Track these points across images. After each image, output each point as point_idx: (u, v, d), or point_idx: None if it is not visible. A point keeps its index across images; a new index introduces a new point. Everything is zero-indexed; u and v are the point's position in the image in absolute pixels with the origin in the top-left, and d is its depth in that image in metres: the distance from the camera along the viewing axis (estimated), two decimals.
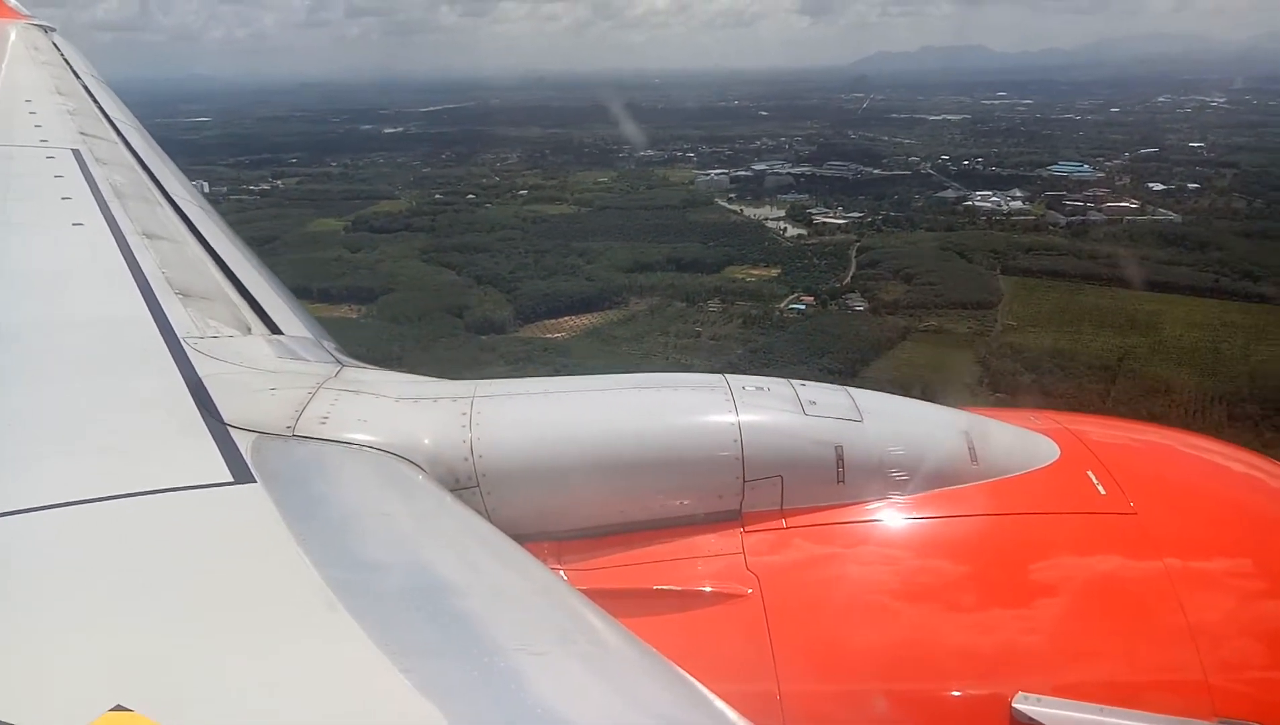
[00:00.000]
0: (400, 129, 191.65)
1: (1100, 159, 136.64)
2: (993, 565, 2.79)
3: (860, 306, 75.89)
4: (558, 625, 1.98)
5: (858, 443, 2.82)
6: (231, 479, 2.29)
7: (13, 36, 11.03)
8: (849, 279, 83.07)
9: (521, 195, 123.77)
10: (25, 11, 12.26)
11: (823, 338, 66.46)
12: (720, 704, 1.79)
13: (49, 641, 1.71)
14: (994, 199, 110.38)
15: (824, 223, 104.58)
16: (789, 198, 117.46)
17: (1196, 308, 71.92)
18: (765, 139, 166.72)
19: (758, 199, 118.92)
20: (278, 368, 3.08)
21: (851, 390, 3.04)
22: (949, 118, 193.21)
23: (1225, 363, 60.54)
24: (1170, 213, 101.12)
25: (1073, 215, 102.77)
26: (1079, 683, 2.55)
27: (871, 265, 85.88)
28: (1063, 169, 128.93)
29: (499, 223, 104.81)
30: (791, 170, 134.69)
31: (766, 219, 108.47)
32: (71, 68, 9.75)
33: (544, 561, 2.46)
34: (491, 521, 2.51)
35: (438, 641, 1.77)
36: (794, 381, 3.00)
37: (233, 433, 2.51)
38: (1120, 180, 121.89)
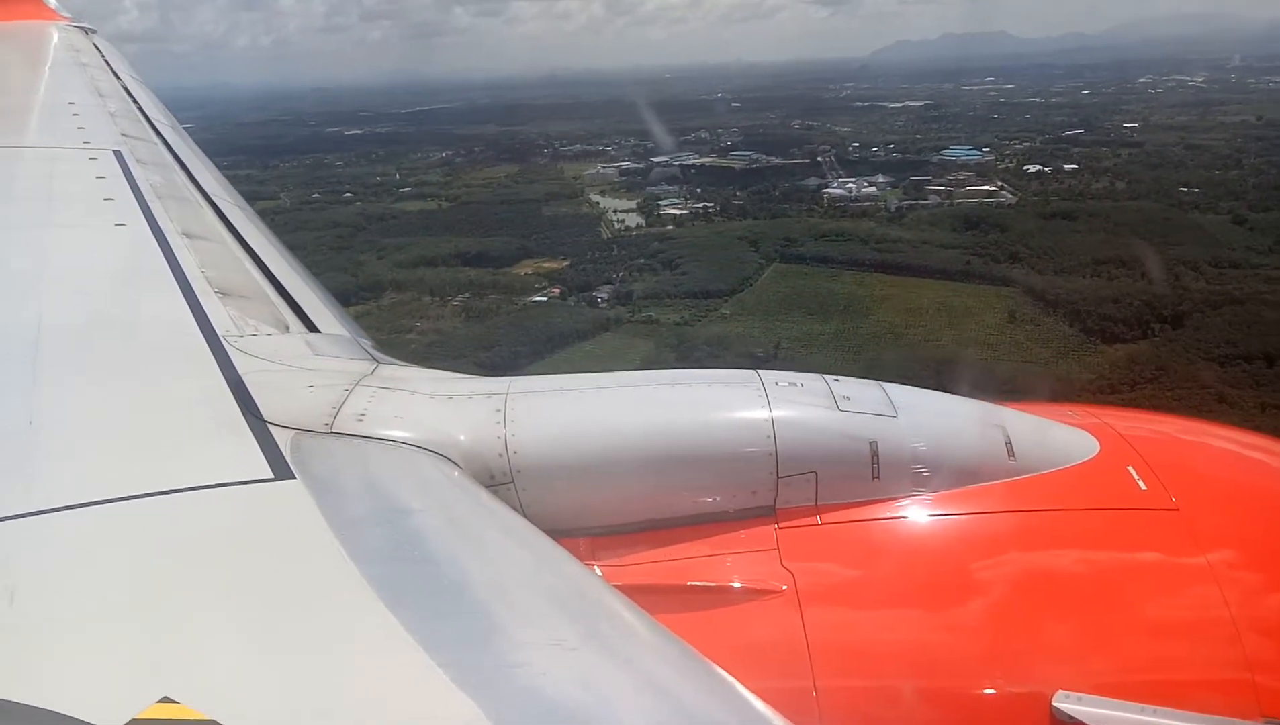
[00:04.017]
0: (361, 131, 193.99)
1: (1014, 141, 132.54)
2: (1032, 562, 2.80)
3: (602, 297, 74.86)
4: (592, 621, 2.00)
5: (893, 438, 2.80)
6: (271, 475, 2.33)
7: (55, 38, 11.19)
8: (621, 272, 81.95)
9: (404, 191, 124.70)
10: (66, 14, 12.36)
11: (514, 330, 65.77)
12: (755, 700, 1.81)
13: (96, 635, 1.75)
14: (849, 185, 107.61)
15: (663, 214, 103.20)
16: (659, 189, 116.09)
17: (930, 291, 69.40)
18: (703, 130, 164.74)
19: (630, 191, 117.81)
20: (315, 365, 3.12)
21: (886, 385, 3.01)
22: (910, 105, 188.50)
23: (897, 345, 58.39)
24: (1009, 195, 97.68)
25: (914, 199, 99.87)
26: (1121, 681, 2.53)
27: (653, 255, 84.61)
28: (953, 153, 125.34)
29: (338, 221, 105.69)
30: (687, 162, 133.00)
31: (615, 210, 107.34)
32: (112, 69, 9.84)
33: (578, 557, 2.46)
34: (526, 517, 2.55)
35: (474, 637, 1.78)
36: (828, 376, 2.98)
37: (272, 430, 2.56)
38: (1005, 163, 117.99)
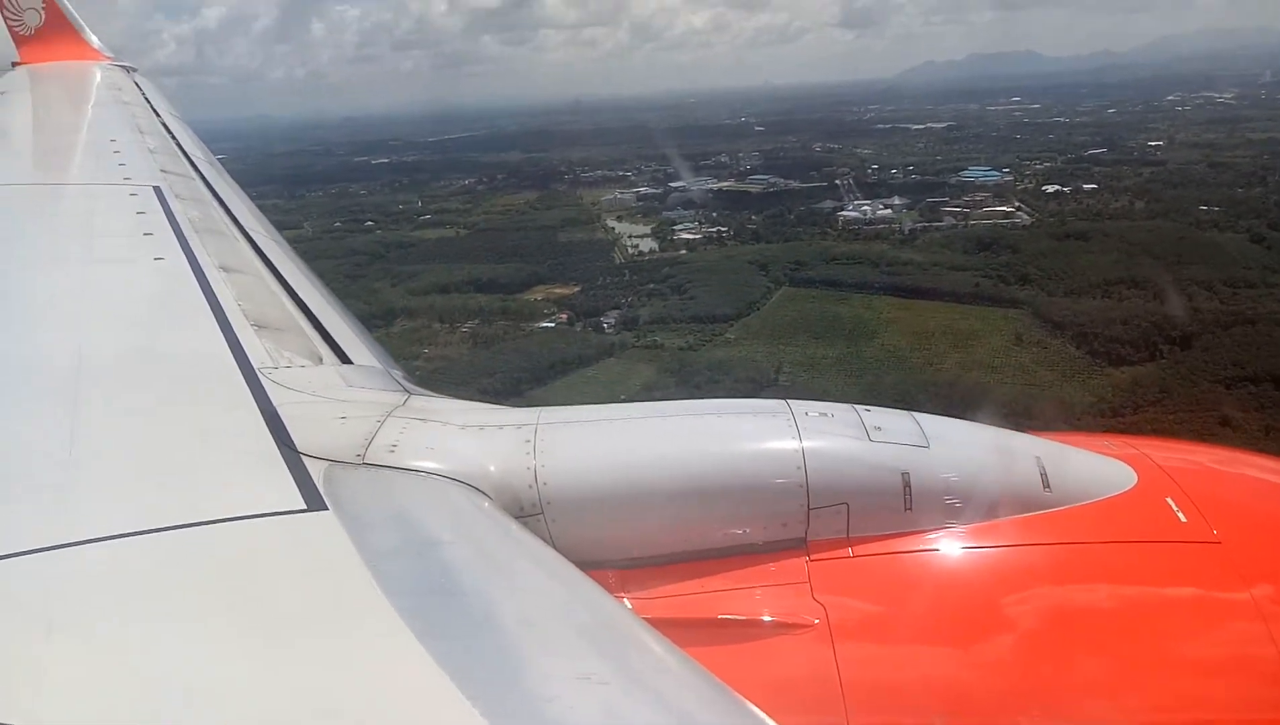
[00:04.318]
0: (388, 159, 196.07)
1: (1035, 161, 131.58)
2: (1068, 596, 2.76)
3: (608, 322, 75.00)
4: (622, 655, 2.00)
5: (925, 469, 2.77)
6: (304, 506, 2.34)
7: (98, 77, 11.93)
8: (630, 296, 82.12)
9: (424, 219, 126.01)
10: (108, 53, 13.20)
11: (517, 356, 65.98)
12: None
13: (126, 666, 1.78)
14: (865, 207, 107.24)
15: (676, 239, 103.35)
16: (674, 214, 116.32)
17: (938, 313, 68.81)
18: (724, 155, 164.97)
19: (646, 216, 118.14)
20: (348, 397, 3.15)
21: (918, 415, 2.99)
22: (933, 126, 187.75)
23: (899, 369, 57.85)
24: (1024, 216, 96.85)
25: (929, 221, 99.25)
26: (1161, 720, 2.51)
27: (663, 280, 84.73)
28: (972, 174, 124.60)
29: (357, 250, 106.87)
30: (704, 186, 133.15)
31: (630, 236, 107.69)
32: (152, 106, 10.31)
33: (608, 590, 2.46)
34: (556, 549, 2.55)
35: (504, 670, 1.79)
36: (858, 406, 2.97)
37: (306, 461, 2.57)
38: (1024, 184, 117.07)
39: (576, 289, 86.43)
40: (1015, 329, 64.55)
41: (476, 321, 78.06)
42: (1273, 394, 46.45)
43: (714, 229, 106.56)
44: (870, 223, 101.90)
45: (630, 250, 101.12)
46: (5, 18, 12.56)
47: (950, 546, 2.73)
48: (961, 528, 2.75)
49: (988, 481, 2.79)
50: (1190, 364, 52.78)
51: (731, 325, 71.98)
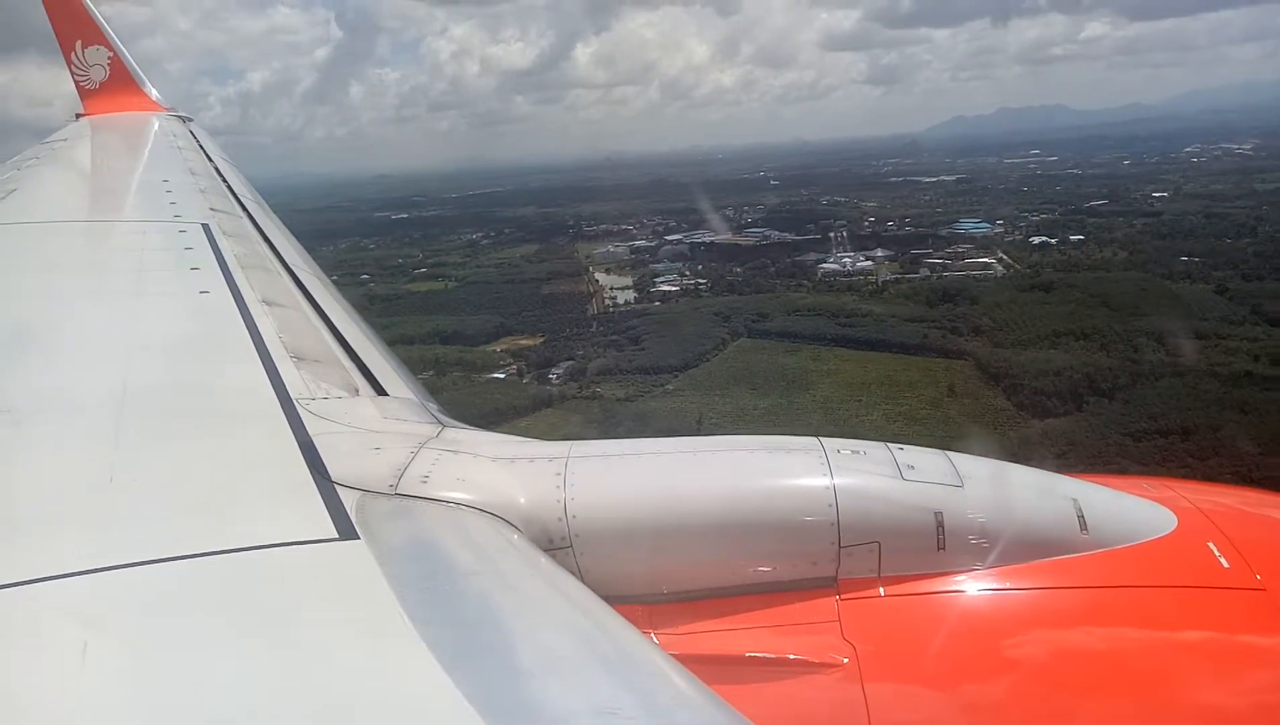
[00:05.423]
0: (407, 215, 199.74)
1: (1034, 213, 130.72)
2: (1105, 641, 2.69)
3: (555, 373, 75.23)
4: (649, 691, 2.00)
5: (959, 509, 2.74)
6: (336, 535, 2.36)
7: (155, 125, 13.07)
8: (584, 347, 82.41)
9: (418, 272, 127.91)
10: (166, 105, 14.44)
11: (451, 406, 65.59)
12: None
13: (156, 688, 1.79)
14: (845, 260, 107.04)
15: (654, 291, 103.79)
16: (661, 266, 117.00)
17: (882, 364, 68.14)
18: (729, 208, 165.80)
19: (634, 269, 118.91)
20: (382, 428, 3.17)
21: (951, 454, 2.98)
22: (944, 179, 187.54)
23: (825, 419, 57.07)
24: (1000, 268, 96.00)
25: (908, 273, 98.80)
26: None
27: (625, 331, 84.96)
28: (963, 226, 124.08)
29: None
30: (698, 240, 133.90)
31: (611, 287, 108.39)
32: (204, 151, 11.04)
33: (636, 625, 2.42)
34: (585, 583, 2.54)
35: (530, 703, 1.80)
36: (891, 445, 2.96)
37: (339, 490, 2.59)
38: (1014, 235, 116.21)
39: (540, 340, 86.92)
40: (953, 380, 63.46)
41: (431, 373, 78.52)
42: (1178, 447, 45.03)
43: (694, 281, 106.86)
44: (849, 275, 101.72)
45: (607, 302, 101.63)
46: (73, 74, 13.56)
47: (984, 588, 2.67)
48: (996, 569, 2.68)
49: (1023, 522, 2.73)
50: (1106, 417, 51.43)
51: (676, 376, 71.69)
